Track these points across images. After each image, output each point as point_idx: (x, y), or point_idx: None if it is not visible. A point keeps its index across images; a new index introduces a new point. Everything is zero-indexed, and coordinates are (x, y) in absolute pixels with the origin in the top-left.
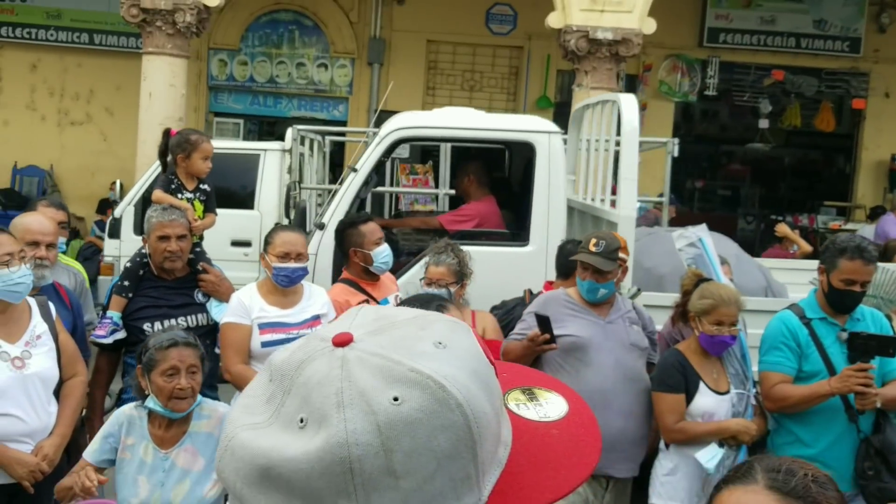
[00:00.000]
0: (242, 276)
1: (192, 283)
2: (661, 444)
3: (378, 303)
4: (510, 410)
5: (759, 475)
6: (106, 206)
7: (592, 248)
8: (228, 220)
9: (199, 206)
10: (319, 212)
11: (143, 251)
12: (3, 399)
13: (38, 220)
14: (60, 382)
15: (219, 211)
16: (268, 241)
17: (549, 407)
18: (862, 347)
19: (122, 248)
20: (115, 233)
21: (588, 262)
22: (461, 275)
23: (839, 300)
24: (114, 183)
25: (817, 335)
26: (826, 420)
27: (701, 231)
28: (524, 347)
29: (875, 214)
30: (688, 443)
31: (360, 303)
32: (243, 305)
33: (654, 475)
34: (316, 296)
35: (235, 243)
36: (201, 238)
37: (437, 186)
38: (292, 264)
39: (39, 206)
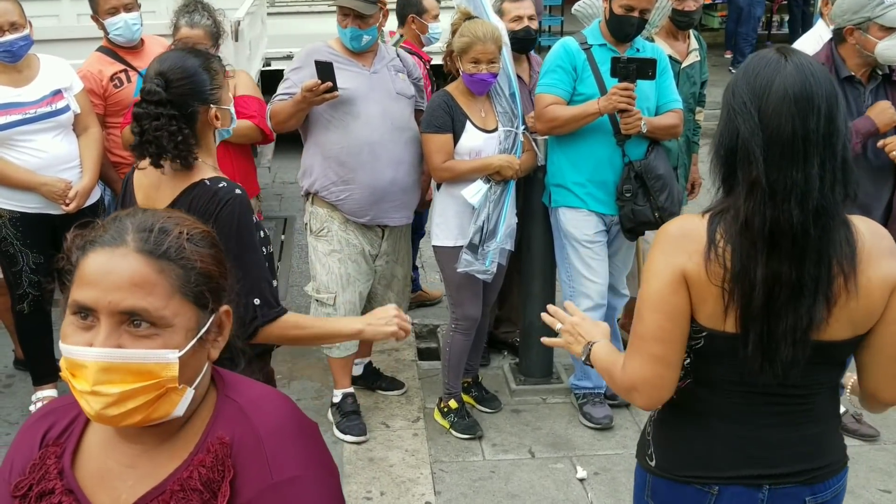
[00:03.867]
0: None
1: None
2: (434, 186)
3: (139, 73)
4: None
5: (130, 235)
6: None
7: None
8: None
9: None
10: None
11: None
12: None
13: None
14: None
15: None
16: None
17: None
18: (623, 71)
19: None
20: None
21: (348, 7)
22: (217, 35)
23: (618, 26)
24: None
25: (595, 60)
26: (594, 144)
27: None
28: (297, 103)
29: None
30: (456, 181)
31: (116, 73)
32: None
33: (430, 218)
34: (55, 68)
35: None
36: None
37: None
38: (8, 37)
39: None
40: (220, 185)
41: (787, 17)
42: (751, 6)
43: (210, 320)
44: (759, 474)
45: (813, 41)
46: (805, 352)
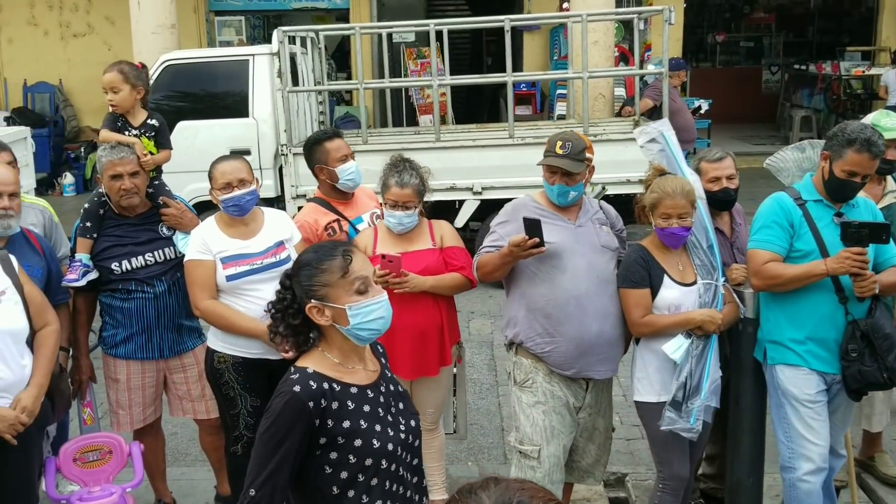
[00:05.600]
0: None
1: (155, 217)
2: (633, 342)
3: (350, 222)
4: None
5: None
6: None
7: (559, 151)
8: (225, 130)
9: (148, 143)
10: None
11: (101, 190)
12: None
13: None
14: (32, 334)
15: (214, 122)
16: (209, 177)
17: None
18: (855, 236)
19: None
20: None
21: (557, 166)
22: (423, 193)
23: (838, 188)
24: None
25: (811, 216)
26: (815, 301)
27: (663, 126)
28: (503, 256)
29: None
30: (656, 336)
31: (330, 223)
32: (203, 241)
33: (632, 374)
34: (277, 221)
35: (235, 153)
36: (159, 172)
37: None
38: (236, 192)
39: None
40: (292, 374)
41: None
42: None
43: None
44: None
45: None
46: None
